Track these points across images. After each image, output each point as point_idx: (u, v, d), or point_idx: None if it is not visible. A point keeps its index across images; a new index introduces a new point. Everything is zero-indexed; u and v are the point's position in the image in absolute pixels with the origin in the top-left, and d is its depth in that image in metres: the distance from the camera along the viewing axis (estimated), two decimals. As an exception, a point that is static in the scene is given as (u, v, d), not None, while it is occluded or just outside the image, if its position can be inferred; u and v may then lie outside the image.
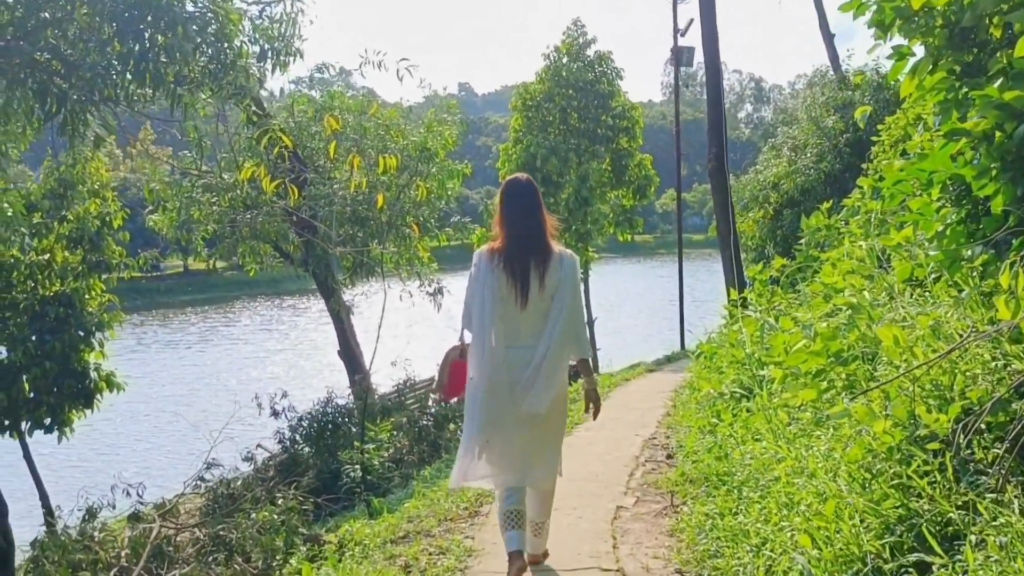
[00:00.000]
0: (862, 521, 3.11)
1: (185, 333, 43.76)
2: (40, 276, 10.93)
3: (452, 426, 11.18)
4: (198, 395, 26.45)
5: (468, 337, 4.20)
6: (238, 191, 11.92)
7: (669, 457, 6.89)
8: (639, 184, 22.88)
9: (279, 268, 14.33)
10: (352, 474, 7.44)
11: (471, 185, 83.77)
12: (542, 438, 4.20)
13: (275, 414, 11.18)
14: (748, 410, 6.35)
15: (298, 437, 10.87)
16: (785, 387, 4.80)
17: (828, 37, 22.39)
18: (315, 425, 10.76)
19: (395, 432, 11.03)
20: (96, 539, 6.99)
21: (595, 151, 22.31)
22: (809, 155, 22.68)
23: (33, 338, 10.90)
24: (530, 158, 21.09)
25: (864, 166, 9.30)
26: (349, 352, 13.69)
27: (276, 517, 6.76)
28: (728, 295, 11.83)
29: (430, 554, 4.91)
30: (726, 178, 12.28)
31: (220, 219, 12.41)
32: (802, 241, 8.96)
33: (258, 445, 11.87)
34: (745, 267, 24.15)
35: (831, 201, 9.14)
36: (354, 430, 10.74)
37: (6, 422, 11.15)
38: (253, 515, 6.85)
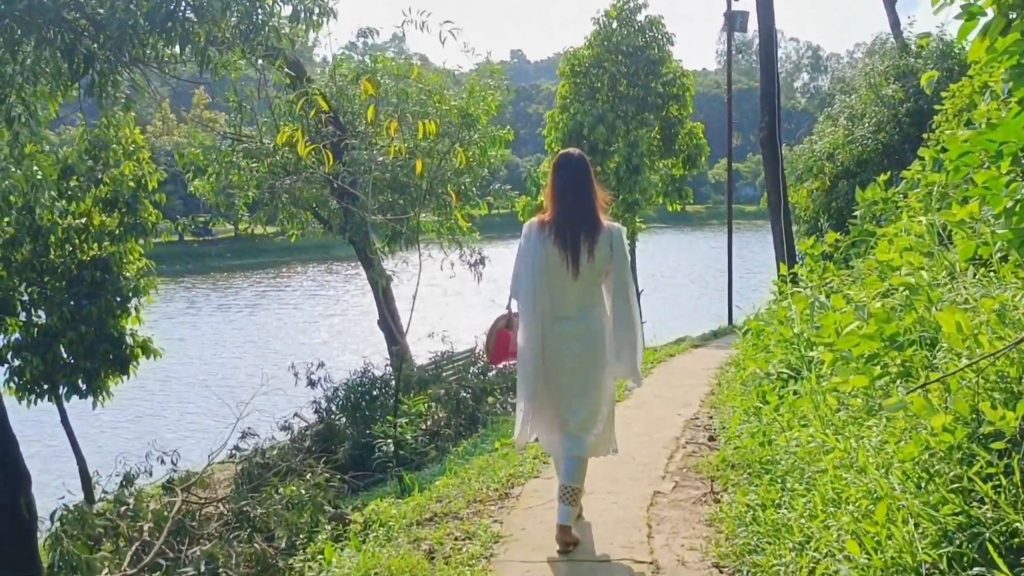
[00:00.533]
0: (917, 527, 2.84)
1: (235, 297, 44.28)
2: (77, 240, 10.91)
3: (491, 399, 11.02)
4: (241, 361, 26.56)
5: (515, 306, 4.39)
6: (277, 156, 11.78)
7: (711, 439, 6.63)
8: (689, 153, 22.37)
9: (320, 234, 14.23)
10: (384, 448, 7.27)
11: (521, 153, 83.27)
12: (592, 407, 4.35)
13: (311, 384, 11.10)
14: (795, 393, 6.06)
15: (334, 407, 10.79)
16: (835, 371, 4.51)
17: (890, 1, 21.61)
18: (351, 396, 10.67)
19: (432, 405, 10.89)
20: (122, 511, 6.91)
21: (644, 119, 21.84)
22: (867, 125, 22.01)
23: (71, 303, 10.89)
24: (577, 126, 20.71)
25: (925, 136, 8.85)
26: (388, 322, 13.57)
27: (304, 492, 6.62)
28: (778, 270, 11.47)
29: (456, 539, 4.73)
30: (778, 148, 11.86)
31: (259, 184, 12.29)
32: (857, 215, 8.59)
33: (295, 414, 11.83)
34: (797, 240, 23.68)
35: (889, 173, 8.72)
36: (390, 402, 10.62)
37: (44, 386, 11.20)
38: (280, 490, 6.71)
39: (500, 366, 6.19)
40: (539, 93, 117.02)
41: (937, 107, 8.89)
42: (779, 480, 4.39)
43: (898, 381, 3.99)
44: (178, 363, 26.16)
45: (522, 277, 4.28)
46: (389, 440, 7.39)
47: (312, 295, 42.34)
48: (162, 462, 10.13)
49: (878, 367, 4.21)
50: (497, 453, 6.98)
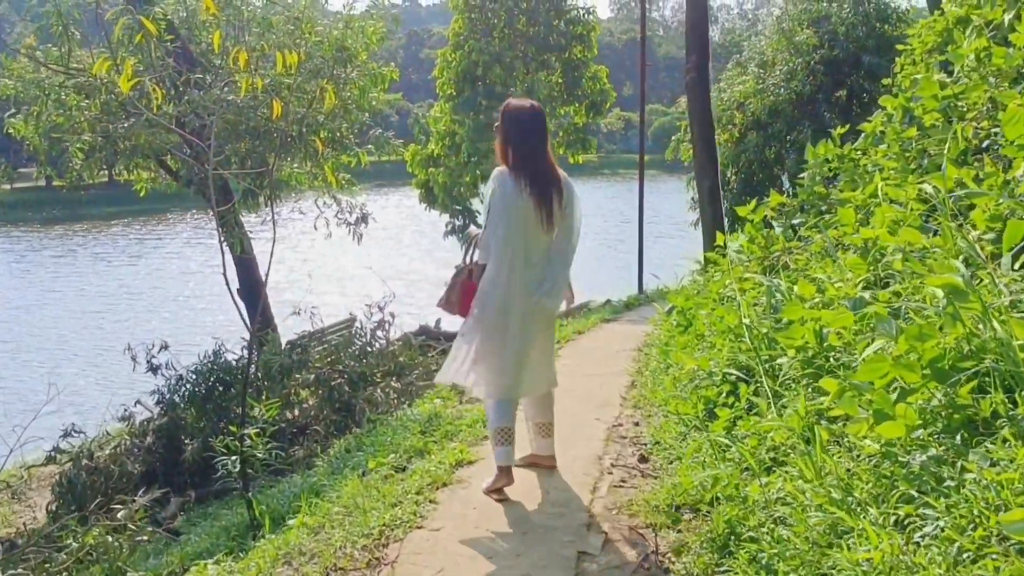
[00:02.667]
0: None
1: (84, 250, 40.98)
2: None
3: (369, 389, 9.58)
4: (74, 332, 23.89)
5: (479, 257, 4.69)
6: (113, 94, 9.95)
7: (643, 459, 5.38)
8: (593, 99, 21.08)
9: (173, 187, 12.43)
10: (228, 467, 5.81)
11: (412, 99, 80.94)
12: (541, 350, 4.82)
13: (152, 370, 9.46)
14: (752, 405, 4.87)
15: (178, 399, 9.19)
16: (840, 406, 3.26)
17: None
18: (200, 386, 9.09)
19: (298, 392, 9.42)
20: None
21: (545, 60, 20.47)
22: (778, 73, 21.22)
23: None
24: (471, 66, 19.24)
25: (887, 82, 7.71)
26: (250, 292, 11.96)
27: (108, 539, 5.11)
28: (705, 236, 10.35)
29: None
30: (708, 92, 10.61)
31: (93, 127, 10.45)
32: (804, 175, 7.42)
33: (137, 402, 10.16)
34: (697, 195, 22.89)
35: (845, 125, 7.57)
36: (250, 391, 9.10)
37: None
38: (67, 549, 5.17)
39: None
40: (431, 37, 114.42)
41: (901, 46, 7.75)
42: (765, 570, 3.13)
43: (960, 432, 2.77)
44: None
45: (499, 225, 4.52)
46: (233, 458, 5.91)
47: (179, 252, 39.15)
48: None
49: (915, 406, 2.97)
50: (375, 475, 5.59)
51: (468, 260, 4.76)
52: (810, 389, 4.24)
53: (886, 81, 7.70)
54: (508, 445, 4.71)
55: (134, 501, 8.86)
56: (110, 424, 13.98)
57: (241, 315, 6.22)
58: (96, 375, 19.14)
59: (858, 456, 3.37)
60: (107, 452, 9.44)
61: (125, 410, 10.40)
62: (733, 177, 21.10)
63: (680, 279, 10.43)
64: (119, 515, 5.89)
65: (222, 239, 6.23)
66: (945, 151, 5.49)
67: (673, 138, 23.58)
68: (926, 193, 5.02)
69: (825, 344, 4.42)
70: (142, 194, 12.67)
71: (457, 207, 20.53)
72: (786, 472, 3.67)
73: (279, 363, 8.80)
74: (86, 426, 15.88)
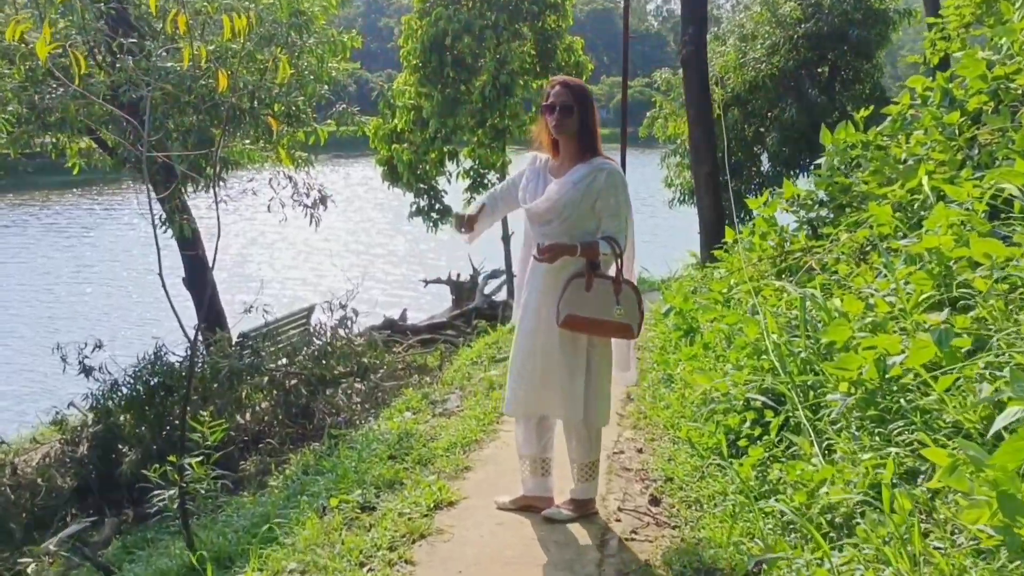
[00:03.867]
0: None
1: (35, 224, 39.42)
2: None
3: (330, 391, 8.82)
4: (12, 318, 22.62)
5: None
6: (39, 61, 9.00)
7: (654, 501, 4.69)
8: (568, 72, 20.25)
9: (110, 164, 11.50)
10: (165, 502, 5.05)
11: (371, 68, 79.44)
12: (571, 361, 4.14)
13: (86, 372, 8.61)
14: (786, 441, 4.22)
15: (112, 405, 8.36)
16: (952, 483, 2.58)
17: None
18: (138, 390, 8.27)
19: (247, 401, 8.65)
20: None
21: (517, 30, 19.59)
22: (760, 47, 20.63)
23: None
24: (439, 34, 18.32)
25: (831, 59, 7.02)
26: (197, 282, 11.11)
27: None
28: (704, 228, 9.61)
29: None
30: (706, 69, 9.86)
31: (15, 97, 9.51)
32: (819, 163, 6.75)
33: (71, 404, 9.31)
34: (673, 173, 22.23)
35: (869, 108, 6.88)
36: (194, 398, 8.30)
37: None
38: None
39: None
40: (391, 5, 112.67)
41: (931, 20, 7.06)
42: None
43: None
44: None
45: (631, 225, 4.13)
46: (171, 492, 5.15)
47: (126, 229, 37.50)
48: None
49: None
50: (336, 515, 4.85)
51: (619, 273, 4.02)
52: (876, 436, 3.57)
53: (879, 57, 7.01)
54: (536, 475, 4.41)
55: (64, 522, 8.10)
56: (34, 427, 13.09)
57: (177, 316, 5.41)
58: (22, 370, 18.04)
59: (960, 544, 2.71)
60: (35, 463, 8.60)
61: (57, 413, 9.55)
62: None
63: (673, 273, 9.75)
64: (47, 544, 5.08)
65: (157, 228, 5.42)
66: (1007, 141, 4.83)
67: (648, 114, 22.92)
68: (985, 190, 4.37)
69: (887, 377, 3.75)
70: (75, 172, 11.73)
71: (422, 186, 19.65)
72: (860, 553, 2.99)
73: (228, 366, 8.00)
74: (7, 430, 14.90)
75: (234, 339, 11.16)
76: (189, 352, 6.61)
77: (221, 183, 9.94)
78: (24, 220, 41.33)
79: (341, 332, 9.03)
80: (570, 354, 4.14)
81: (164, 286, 5.63)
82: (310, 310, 13.48)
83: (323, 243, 27.44)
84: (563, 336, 4.09)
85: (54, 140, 10.36)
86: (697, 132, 9.74)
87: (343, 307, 9.63)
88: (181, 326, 6.00)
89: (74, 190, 47.34)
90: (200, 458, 5.38)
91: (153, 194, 6.16)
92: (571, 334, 4.08)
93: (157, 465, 5.47)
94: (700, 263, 9.77)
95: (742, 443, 4.67)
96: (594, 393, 4.18)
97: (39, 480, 8.07)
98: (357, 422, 8.28)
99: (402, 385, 9.18)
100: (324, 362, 8.76)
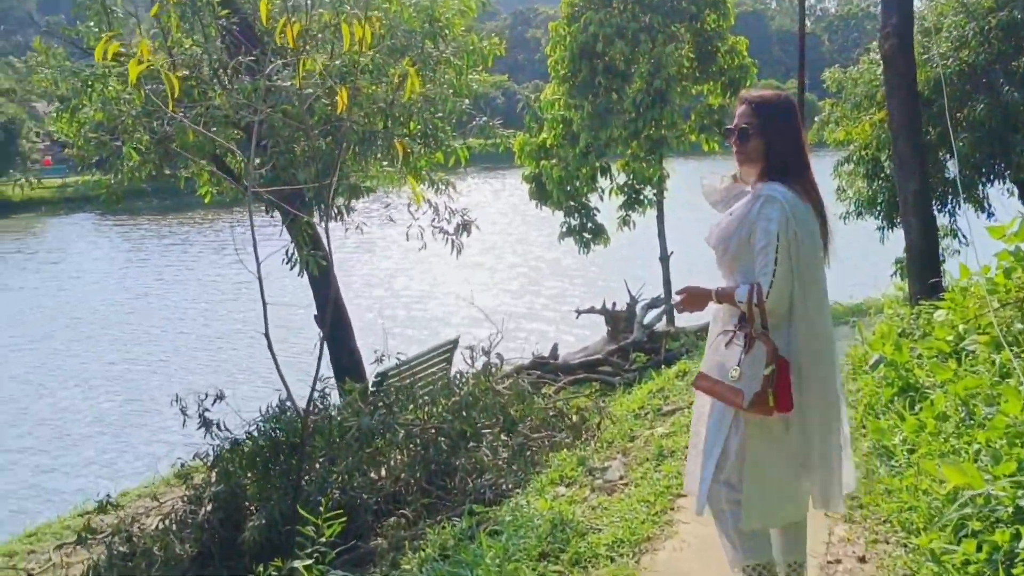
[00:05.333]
0: None
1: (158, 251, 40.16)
2: None
3: (472, 445, 7.94)
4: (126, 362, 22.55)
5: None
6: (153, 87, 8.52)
7: (862, 560, 3.61)
8: (731, 76, 18.96)
9: (234, 193, 11.02)
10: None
11: (518, 80, 79.51)
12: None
13: (206, 426, 7.99)
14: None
15: (232, 468, 7.69)
16: None
17: None
18: (261, 448, 7.58)
19: (382, 457, 7.87)
20: None
21: (674, 32, 18.45)
22: (945, 40, 18.82)
23: None
24: (589, 40, 17.38)
25: None
26: (332, 318, 10.46)
27: None
28: (912, 252, 8.23)
29: None
30: (913, 66, 8.50)
31: (136, 125, 9.08)
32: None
33: (196, 456, 8.70)
34: (846, 183, 20.63)
35: None
36: (320, 459, 7.56)
37: None
38: None
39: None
40: (536, 16, 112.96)
41: None
42: None
43: None
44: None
45: (786, 279, 3.30)
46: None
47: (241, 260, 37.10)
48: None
49: None
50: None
51: (754, 324, 3.36)
52: None
53: None
54: None
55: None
56: (146, 476, 12.69)
57: (281, 376, 4.66)
58: (136, 413, 17.92)
59: None
60: (153, 526, 8.04)
61: (181, 465, 9.01)
62: (887, 162, 18.93)
63: (856, 301, 8.44)
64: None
65: (262, 278, 4.63)
66: None
67: (816, 119, 21.32)
68: None
69: None
70: (207, 200, 11.32)
71: (573, 204, 18.71)
72: None
73: (357, 425, 7.20)
74: (123, 475, 14.51)
75: (370, 380, 10.48)
76: (302, 424, 5.84)
77: (349, 211, 9.23)
78: (145, 244, 42.15)
79: (484, 381, 8.14)
80: (713, 429, 3.55)
81: (270, 345, 4.88)
82: (454, 344, 12.68)
83: (468, 269, 26.78)
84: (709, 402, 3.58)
85: (181, 168, 9.90)
86: (903, 143, 8.39)
87: (486, 353, 8.75)
88: (285, 385, 5.26)
89: (196, 216, 48.21)
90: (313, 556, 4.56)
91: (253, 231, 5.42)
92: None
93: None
94: (908, 299, 8.45)
95: (1018, 571, 3.48)
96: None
97: (155, 549, 7.47)
98: (503, 485, 7.34)
99: (553, 439, 8.21)
100: (466, 414, 7.88)
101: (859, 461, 5.71)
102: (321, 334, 5.70)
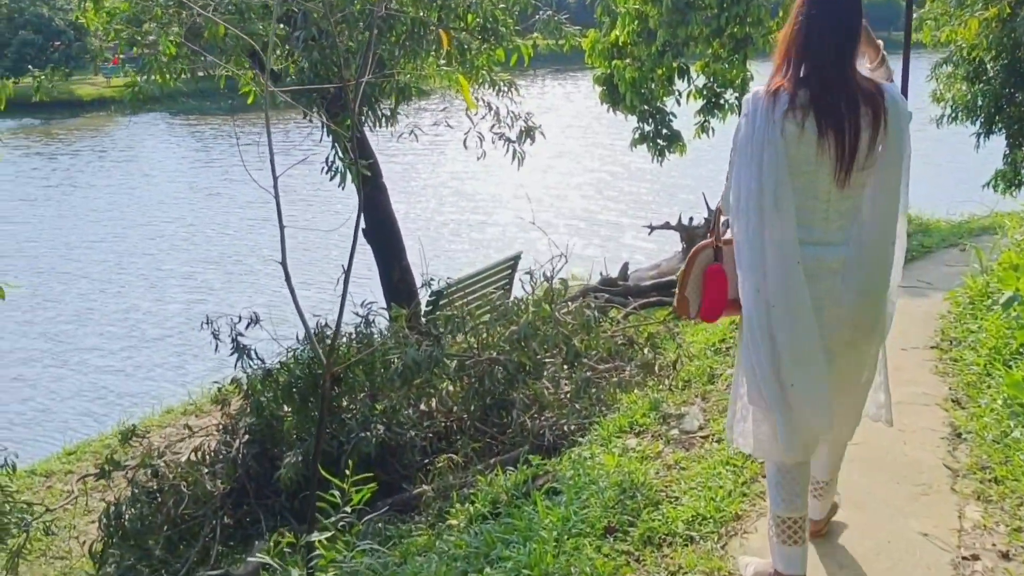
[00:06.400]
0: None
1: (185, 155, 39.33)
2: None
3: (534, 383, 7.26)
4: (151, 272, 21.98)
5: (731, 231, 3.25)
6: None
7: (1005, 556, 3.01)
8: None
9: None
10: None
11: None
12: (852, 385, 3.36)
13: (239, 352, 7.40)
14: None
15: (265, 399, 7.11)
16: None
17: None
18: (297, 378, 6.97)
19: (432, 388, 7.25)
20: None
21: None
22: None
23: None
24: (666, -79, 16.06)
25: None
26: (383, 232, 9.80)
27: None
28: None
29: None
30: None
31: (162, 17, 8.36)
32: None
33: (234, 380, 8.15)
34: (944, 86, 19.21)
35: None
36: (362, 394, 6.96)
37: None
38: None
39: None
40: None
41: None
42: None
43: None
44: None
45: (743, 185, 3.08)
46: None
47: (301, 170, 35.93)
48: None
49: None
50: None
51: (715, 230, 3.48)
52: None
53: None
54: (794, 545, 3.29)
55: (213, 536, 7.00)
56: (173, 400, 12.35)
57: (297, 306, 4.01)
58: (166, 336, 17.58)
59: None
60: (183, 459, 7.53)
61: (219, 388, 8.49)
62: (994, 66, 17.53)
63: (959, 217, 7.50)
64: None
65: (279, 195, 3.92)
66: None
67: (916, 15, 19.84)
68: None
69: None
70: (249, 101, 10.62)
71: (647, 108, 17.61)
72: None
73: (410, 358, 6.51)
74: (188, 378, 14.23)
75: (424, 301, 9.85)
76: (323, 369, 5.17)
77: (395, 116, 8.45)
78: (215, 144, 41.38)
79: (546, 309, 7.39)
80: None
81: (287, 276, 4.19)
82: (515, 260, 11.98)
83: (535, 178, 25.75)
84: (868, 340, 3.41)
85: (208, 67, 9.19)
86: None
87: (547, 279, 8.00)
88: (305, 325, 4.60)
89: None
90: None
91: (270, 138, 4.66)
92: None
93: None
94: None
95: None
96: None
97: (184, 485, 6.98)
98: (565, 426, 6.67)
99: (621, 374, 7.49)
100: (524, 345, 7.18)
101: (984, 417, 4.90)
102: (344, 268, 5.00)
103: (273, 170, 3.99)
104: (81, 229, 25.96)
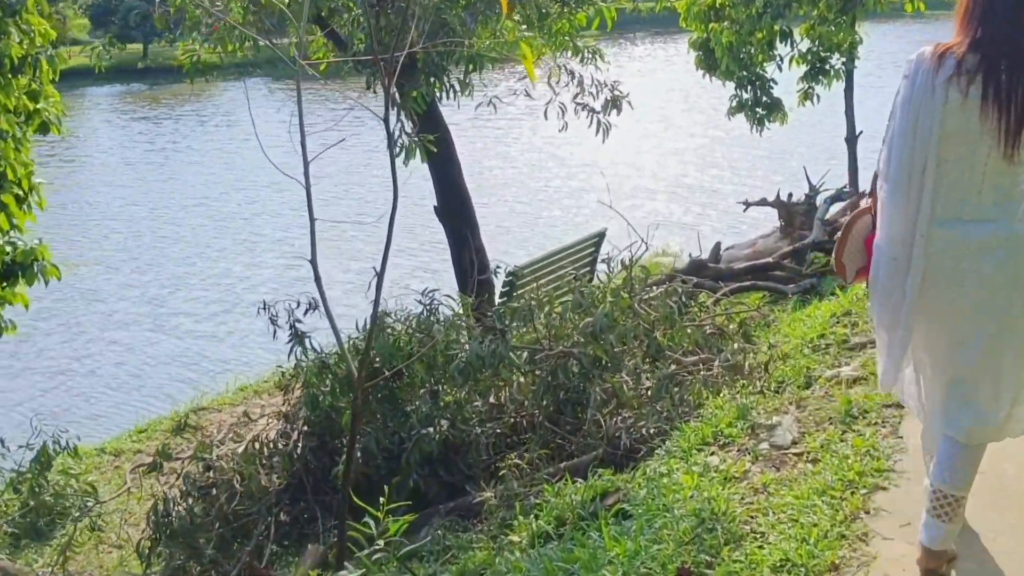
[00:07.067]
0: None
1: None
2: None
3: (612, 376, 6.75)
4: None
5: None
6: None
7: None
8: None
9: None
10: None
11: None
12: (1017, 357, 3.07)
13: (297, 339, 7.05)
14: None
15: (320, 394, 6.75)
16: None
17: None
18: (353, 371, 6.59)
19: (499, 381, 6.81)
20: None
21: None
22: None
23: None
24: None
25: None
26: (454, 209, 9.35)
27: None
28: None
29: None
30: None
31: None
32: None
33: (298, 364, 7.80)
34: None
35: None
36: (422, 391, 6.54)
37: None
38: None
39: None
40: None
41: None
42: None
43: None
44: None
45: (896, 148, 2.96)
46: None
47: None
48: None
49: None
50: None
51: (875, 194, 3.25)
52: None
53: None
54: (946, 521, 3.15)
55: (267, 535, 6.69)
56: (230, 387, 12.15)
57: (327, 310, 3.61)
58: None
59: None
60: (241, 450, 7.23)
61: (282, 373, 8.20)
62: None
63: None
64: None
65: (309, 186, 3.50)
66: None
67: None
68: None
69: None
70: (322, 69, 10.26)
71: (745, 74, 16.81)
72: None
73: (473, 353, 6.06)
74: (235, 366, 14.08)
75: (500, 282, 9.39)
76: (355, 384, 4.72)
77: (466, 86, 7.96)
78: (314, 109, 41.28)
79: (626, 298, 6.85)
80: None
81: (317, 277, 3.75)
82: (600, 237, 11.42)
83: (623, 151, 24.84)
84: None
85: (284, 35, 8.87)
86: None
87: (625, 267, 7.44)
88: (336, 335, 4.16)
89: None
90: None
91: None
92: None
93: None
94: None
95: None
96: None
97: (236, 481, 6.67)
98: (644, 428, 6.14)
99: (709, 367, 6.92)
100: (601, 338, 6.66)
101: None
102: (379, 263, 4.57)
103: (304, 155, 3.54)
104: (182, 192, 26.43)
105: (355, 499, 6.78)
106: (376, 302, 4.37)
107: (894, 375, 3.34)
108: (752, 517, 4.04)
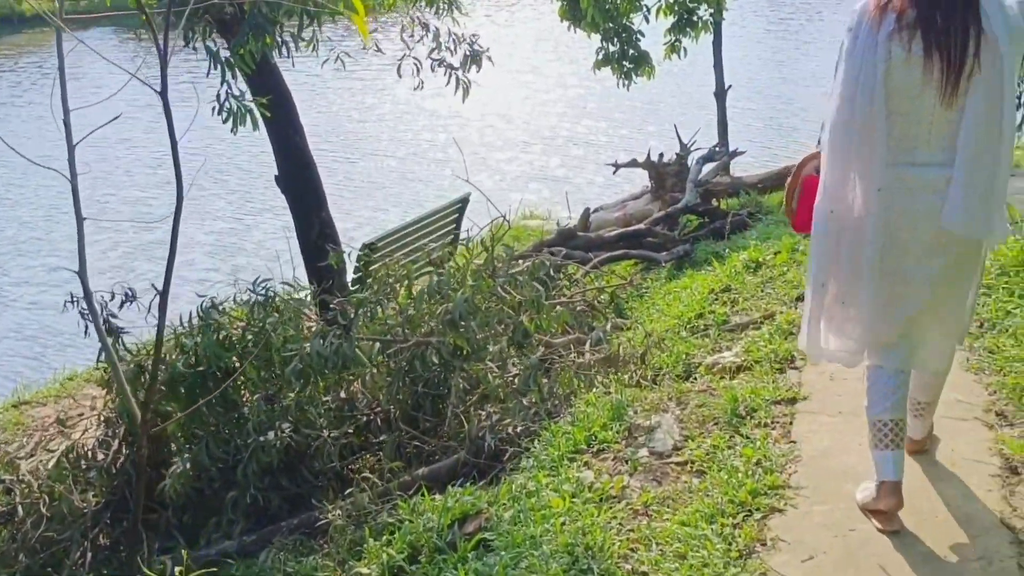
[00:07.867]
0: None
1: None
2: None
3: (475, 365, 6.18)
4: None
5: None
6: None
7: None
8: None
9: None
10: None
11: None
12: (943, 305, 3.35)
13: (112, 335, 6.21)
14: None
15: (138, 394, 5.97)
16: None
17: None
18: (179, 376, 5.82)
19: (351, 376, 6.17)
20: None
21: None
22: None
23: None
24: None
25: None
26: (295, 179, 8.58)
27: None
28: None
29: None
30: None
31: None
32: None
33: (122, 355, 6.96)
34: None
35: None
36: (256, 397, 5.82)
37: None
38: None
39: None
40: None
41: None
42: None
43: None
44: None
45: (841, 99, 3.11)
46: None
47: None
48: None
49: None
50: None
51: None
52: None
53: None
54: (894, 449, 3.30)
55: (82, 564, 5.90)
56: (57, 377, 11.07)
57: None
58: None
59: None
60: (52, 464, 6.37)
61: (105, 369, 7.32)
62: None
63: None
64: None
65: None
66: None
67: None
68: None
69: None
70: None
71: (611, 26, 16.33)
72: None
73: (316, 352, 5.36)
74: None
75: (353, 257, 8.69)
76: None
77: (299, 41, 7.17)
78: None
79: (487, 281, 6.25)
80: None
81: (87, 293, 3.02)
82: (463, 203, 10.80)
83: (481, 112, 23.97)
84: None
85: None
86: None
87: (486, 248, 6.82)
88: (114, 367, 3.44)
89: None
90: None
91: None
92: None
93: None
94: None
95: None
96: None
97: (43, 506, 5.84)
98: (510, 429, 5.59)
99: (580, 348, 6.41)
100: (462, 326, 6.05)
101: None
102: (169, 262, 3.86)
103: (69, 139, 2.79)
104: (27, 149, 24.29)
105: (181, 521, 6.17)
106: (160, 327, 3.63)
107: (818, 344, 3.44)
108: (632, 551, 3.52)
